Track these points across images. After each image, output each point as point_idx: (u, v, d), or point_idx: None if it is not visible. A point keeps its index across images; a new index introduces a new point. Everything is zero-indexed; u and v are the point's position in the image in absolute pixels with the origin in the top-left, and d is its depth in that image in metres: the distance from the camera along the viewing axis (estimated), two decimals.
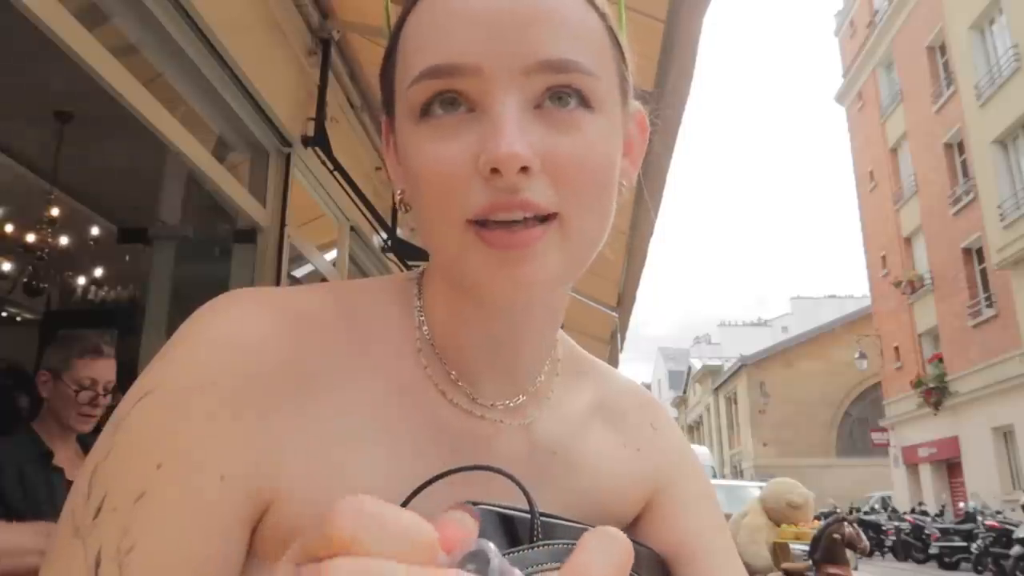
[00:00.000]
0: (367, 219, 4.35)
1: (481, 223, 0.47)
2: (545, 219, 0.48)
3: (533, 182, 0.47)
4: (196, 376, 0.47)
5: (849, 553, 5.96)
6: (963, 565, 15.38)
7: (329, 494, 0.48)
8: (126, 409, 0.47)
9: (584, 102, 0.49)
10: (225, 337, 0.49)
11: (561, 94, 0.48)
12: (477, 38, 0.47)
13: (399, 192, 0.56)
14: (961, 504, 17.97)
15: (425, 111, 0.49)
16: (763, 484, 8.37)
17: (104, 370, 2.06)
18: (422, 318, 0.58)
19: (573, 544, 0.45)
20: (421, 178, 0.49)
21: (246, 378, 0.48)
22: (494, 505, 0.43)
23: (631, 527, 0.66)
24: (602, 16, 0.52)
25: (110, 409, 2.10)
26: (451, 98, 0.48)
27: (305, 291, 0.56)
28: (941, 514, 18.61)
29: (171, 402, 0.46)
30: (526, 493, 0.43)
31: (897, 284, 23.05)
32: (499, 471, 0.45)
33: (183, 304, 3.64)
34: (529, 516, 0.43)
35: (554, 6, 0.48)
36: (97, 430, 2.06)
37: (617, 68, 0.53)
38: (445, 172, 0.47)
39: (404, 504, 0.46)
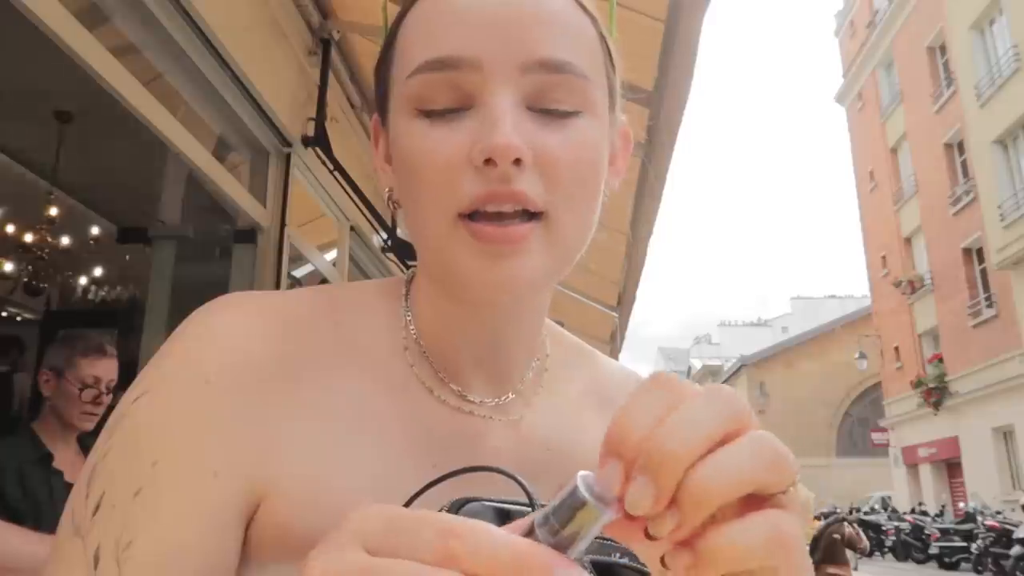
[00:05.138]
0: (367, 219, 4.35)
1: (471, 216, 0.48)
2: (532, 217, 0.49)
3: (525, 175, 0.48)
4: (190, 376, 0.48)
5: (849, 553, 5.97)
6: (963, 565, 15.38)
7: (320, 491, 0.49)
8: (123, 410, 0.48)
9: (575, 104, 0.50)
10: (217, 338, 0.50)
11: (553, 105, 0.49)
12: (477, 34, 0.48)
13: (388, 190, 0.57)
14: (961, 504, 17.98)
15: (422, 104, 0.49)
16: None
17: (107, 369, 2.07)
18: (408, 317, 0.58)
19: None
20: (414, 168, 0.50)
21: (238, 377, 0.49)
22: (493, 501, 0.43)
23: None
24: (594, 21, 0.53)
25: (111, 408, 2.11)
26: (449, 96, 0.49)
27: (294, 295, 0.57)
28: (941, 514, 18.62)
29: (166, 401, 0.47)
30: (526, 489, 0.43)
31: (897, 284, 23.04)
32: (500, 471, 0.46)
33: (183, 304, 3.63)
34: (530, 509, 0.43)
35: (552, 8, 0.50)
36: (98, 429, 2.07)
37: (606, 74, 0.54)
38: (440, 161, 0.48)
39: (407, 504, 0.46)
